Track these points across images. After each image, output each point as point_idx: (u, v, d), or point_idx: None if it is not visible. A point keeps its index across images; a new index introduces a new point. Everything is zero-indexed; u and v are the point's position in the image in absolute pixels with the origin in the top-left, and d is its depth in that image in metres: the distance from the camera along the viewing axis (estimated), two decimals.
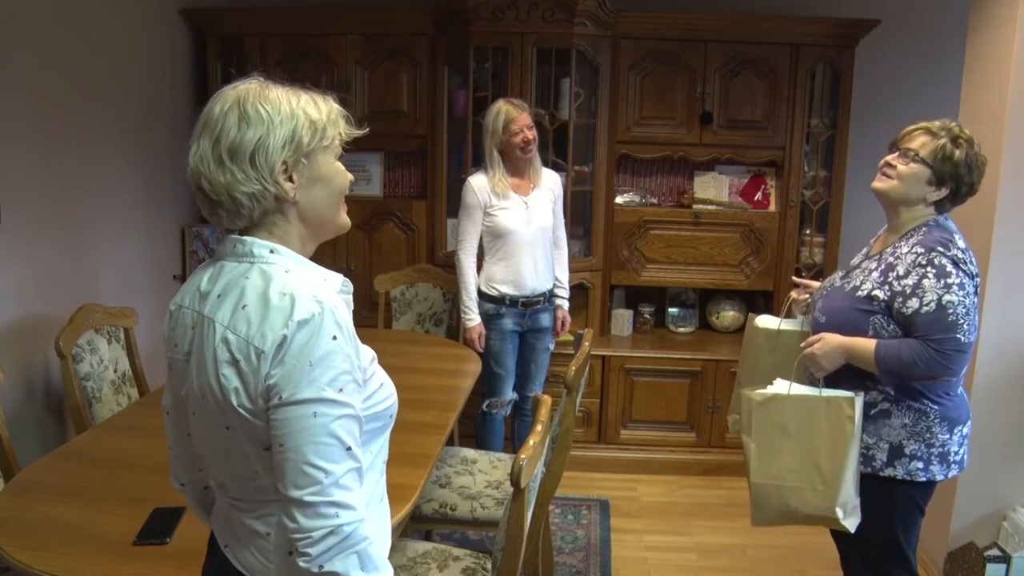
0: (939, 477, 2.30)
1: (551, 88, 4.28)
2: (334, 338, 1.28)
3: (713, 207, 4.47)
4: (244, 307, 1.30)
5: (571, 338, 4.19)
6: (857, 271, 2.39)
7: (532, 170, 3.71)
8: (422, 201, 4.53)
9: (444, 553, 2.51)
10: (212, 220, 1.38)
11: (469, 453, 3.26)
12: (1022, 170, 3.03)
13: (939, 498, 3.37)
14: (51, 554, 1.90)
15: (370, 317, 4.40)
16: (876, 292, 2.25)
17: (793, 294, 2.67)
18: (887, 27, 4.22)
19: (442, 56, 4.33)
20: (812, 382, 2.34)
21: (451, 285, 4.15)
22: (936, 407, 2.26)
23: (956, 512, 3.29)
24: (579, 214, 4.48)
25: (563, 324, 3.91)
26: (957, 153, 2.21)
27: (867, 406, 2.28)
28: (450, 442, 3.45)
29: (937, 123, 2.27)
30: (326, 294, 1.32)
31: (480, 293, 3.73)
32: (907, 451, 2.26)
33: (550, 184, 3.78)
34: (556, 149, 4.32)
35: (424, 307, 4.36)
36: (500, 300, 3.72)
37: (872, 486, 2.30)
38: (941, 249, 2.18)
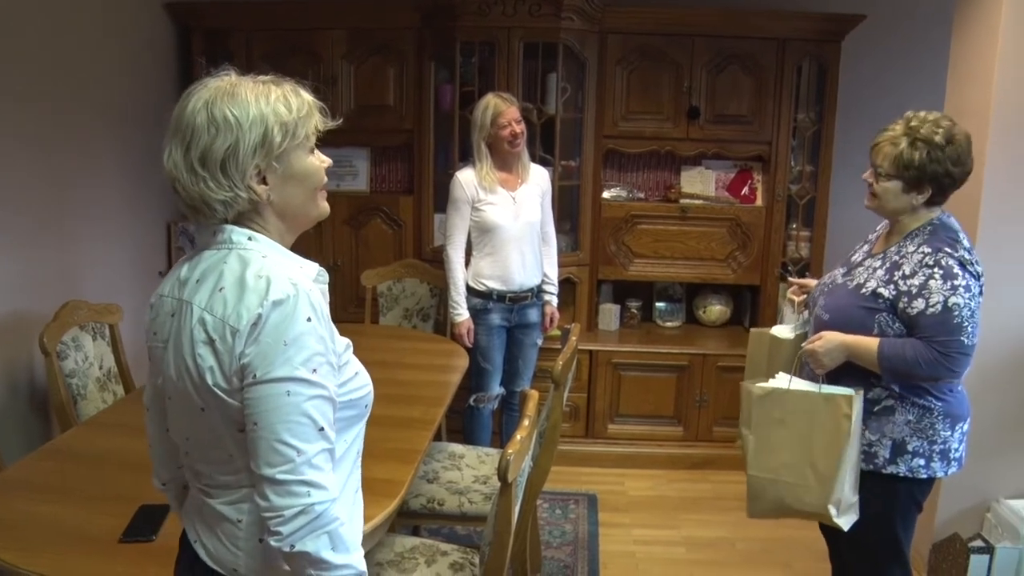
0: (939, 474, 2.30)
1: (538, 83, 4.28)
2: (308, 320, 1.29)
3: (700, 202, 4.48)
4: (221, 289, 1.31)
5: (559, 333, 4.20)
6: (860, 268, 2.37)
7: (520, 165, 3.71)
8: (409, 196, 4.52)
9: (432, 548, 2.51)
10: (191, 218, 1.40)
11: (457, 448, 3.26)
12: (1007, 163, 3.04)
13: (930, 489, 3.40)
14: (36, 553, 1.89)
15: (357, 312, 4.39)
16: (881, 290, 2.23)
17: (789, 294, 2.64)
18: (872, 22, 4.24)
19: (429, 51, 4.32)
20: (813, 378, 2.34)
21: (438, 280, 4.15)
22: (940, 404, 2.26)
23: (941, 504, 3.31)
24: (566, 209, 4.48)
25: (551, 320, 3.91)
26: (917, 156, 2.19)
27: (870, 403, 2.28)
28: (438, 437, 3.45)
29: (899, 126, 2.24)
30: (301, 278, 1.33)
31: (468, 288, 3.73)
32: (910, 448, 2.26)
33: (538, 179, 3.77)
34: (543, 144, 4.32)
35: (411, 302, 4.35)
36: (488, 295, 3.72)
37: (874, 483, 2.30)
38: (948, 250, 2.17)
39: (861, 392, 2.25)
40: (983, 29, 3.10)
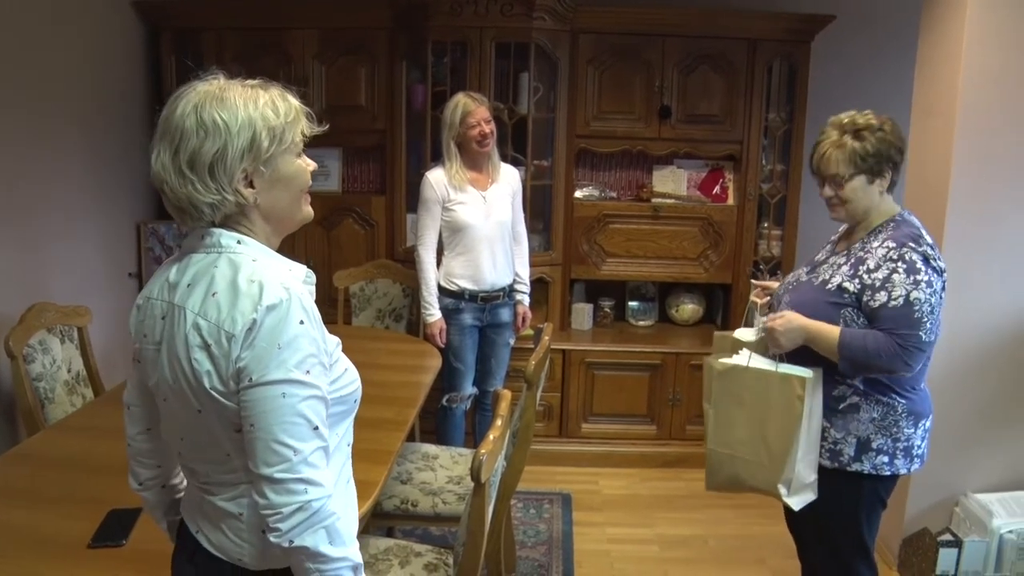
0: (903, 471, 2.32)
1: (510, 83, 4.28)
2: (301, 322, 1.32)
3: (672, 201, 4.50)
4: (214, 294, 1.33)
5: (531, 332, 4.20)
6: (825, 266, 2.39)
7: (491, 165, 3.71)
8: (381, 196, 4.51)
9: (406, 549, 2.50)
10: (177, 219, 1.40)
11: (430, 449, 3.25)
12: (973, 163, 3.09)
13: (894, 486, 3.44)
14: (3, 559, 1.87)
15: (330, 313, 4.35)
16: (846, 284, 2.25)
17: (753, 296, 2.63)
18: (842, 23, 4.29)
19: (400, 51, 4.30)
20: (775, 357, 2.35)
21: (410, 281, 4.14)
22: (903, 401, 2.28)
23: (910, 499, 3.35)
24: (539, 208, 4.48)
25: (523, 319, 3.91)
26: (868, 145, 2.23)
27: (836, 400, 2.30)
28: (411, 438, 3.44)
29: (832, 132, 2.29)
30: (292, 281, 1.36)
31: (439, 288, 3.72)
32: (874, 446, 2.28)
33: (509, 179, 3.78)
34: (515, 143, 4.32)
35: (384, 303, 4.34)
36: (459, 295, 3.72)
37: (839, 480, 2.32)
38: (912, 245, 2.19)
39: (819, 372, 2.25)
40: (949, 30, 3.14)
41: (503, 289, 3.79)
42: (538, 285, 4.42)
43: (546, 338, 2.98)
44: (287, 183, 1.41)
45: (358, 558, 1.41)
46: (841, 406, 2.30)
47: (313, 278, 1.48)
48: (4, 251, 3.31)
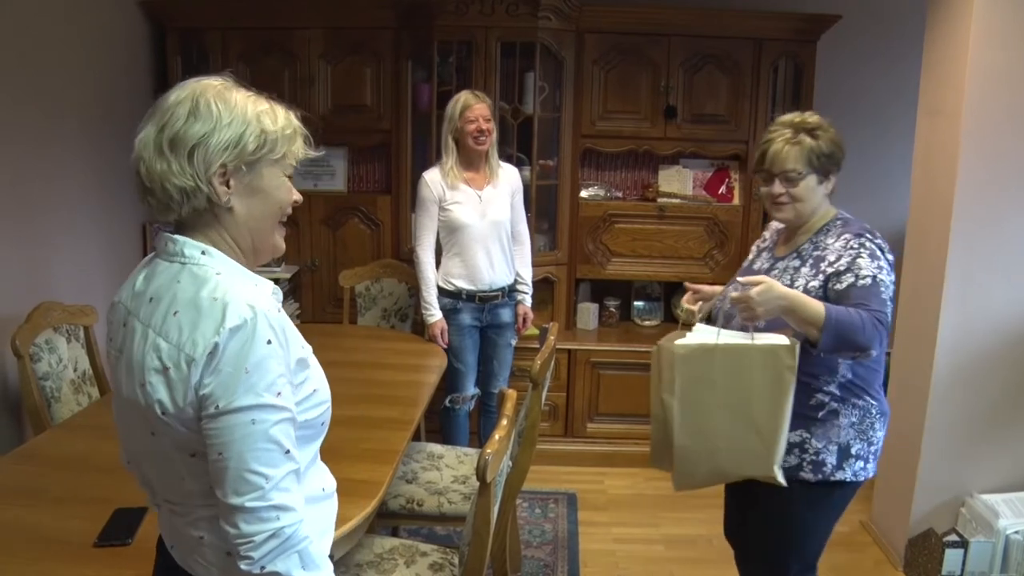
0: (871, 474, 2.29)
1: (515, 82, 4.27)
2: (268, 342, 1.26)
3: (677, 200, 4.50)
4: (175, 313, 1.27)
5: (536, 332, 4.20)
6: (775, 272, 2.30)
7: (488, 166, 3.71)
8: (386, 196, 4.51)
9: (411, 549, 2.50)
10: (144, 207, 1.36)
11: (436, 448, 3.25)
12: (979, 162, 3.08)
13: (900, 486, 3.44)
14: (10, 558, 1.87)
15: (335, 313, 4.37)
16: (812, 284, 2.18)
17: (686, 303, 2.45)
18: (847, 22, 4.27)
19: (406, 50, 4.30)
20: (741, 330, 2.17)
21: (416, 280, 4.13)
22: (875, 403, 2.25)
23: (916, 499, 3.34)
24: (544, 208, 4.48)
25: (524, 320, 3.91)
26: (823, 145, 2.22)
27: (814, 409, 2.21)
28: (417, 437, 3.44)
29: (784, 129, 2.24)
30: (258, 298, 1.29)
31: (438, 288, 3.73)
32: (853, 451, 2.23)
33: (508, 179, 3.77)
34: (520, 143, 4.32)
35: (389, 302, 4.34)
36: (457, 295, 3.72)
37: (821, 491, 2.25)
38: (869, 236, 2.17)
39: (798, 342, 2.08)
40: (955, 29, 3.13)
41: (502, 289, 3.78)
42: (543, 284, 4.42)
43: (551, 338, 2.98)
44: (265, 196, 1.36)
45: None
46: (820, 414, 2.22)
47: (280, 295, 1.40)
48: (11, 250, 3.32)
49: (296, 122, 1.39)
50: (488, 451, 2.03)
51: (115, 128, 4.03)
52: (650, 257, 4.51)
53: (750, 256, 2.57)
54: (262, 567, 1.26)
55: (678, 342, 2.13)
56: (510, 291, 3.84)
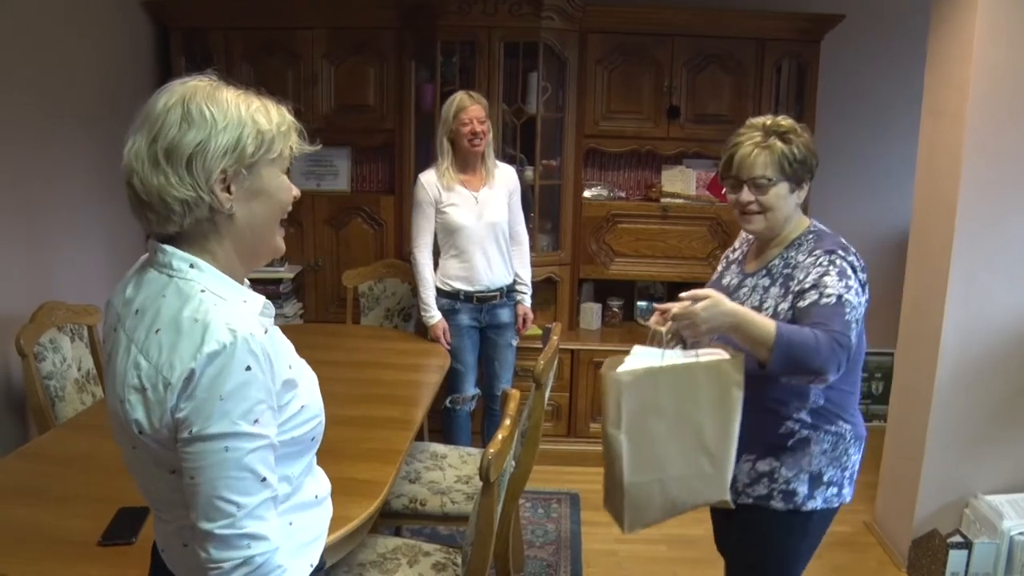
0: (847, 499, 2.16)
1: (519, 82, 4.28)
2: (248, 368, 1.21)
3: (681, 200, 4.50)
4: (157, 331, 1.24)
5: (539, 332, 4.20)
6: (744, 290, 2.17)
7: (484, 167, 3.70)
8: (390, 196, 4.51)
9: (414, 548, 2.50)
10: (140, 221, 1.30)
11: (439, 448, 3.25)
12: (983, 163, 3.07)
13: (903, 487, 3.44)
14: (14, 556, 1.87)
15: (338, 313, 4.37)
16: (782, 306, 2.04)
17: (654, 324, 2.08)
18: (851, 22, 4.27)
19: (409, 50, 4.31)
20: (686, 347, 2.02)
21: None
22: (849, 427, 2.12)
23: (920, 500, 3.34)
24: (547, 208, 4.48)
25: (524, 320, 3.90)
26: (796, 150, 2.06)
27: (783, 438, 2.08)
28: (420, 437, 3.44)
29: (754, 132, 2.08)
30: (241, 320, 1.24)
31: (437, 289, 3.73)
32: (825, 479, 2.10)
33: (505, 180, 3.77)
34: (524, 143, 4.32)
35: (392, 302, 4.34)
36: (455, 295, 3.72)
37: (793, 521, 2.12)
38: (841, 253, 2.02)
39: (742, 355, 1.96)
40: (959, 29, 3.12)
41: (500, 290, 3.78)
42: (546, 284, 4.42)
43: (555, 338, 2.98)
44: (267, 197, 1.32)
45: None
46: (790, 443, 2.09)
47: (272, 310, 1.36)
48: (15, 250, 3.32)
49: (289, 117, 1.35)
50: (491, 451, 2.03)
51: (118, 128, 3.99)
52: (653, 257, 4.51)
53: (719, 268, 2.41)
54: None
55: (621, 369, 1.93)
56: (509, 291, 3.83)
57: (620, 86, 4.35)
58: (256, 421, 1.22)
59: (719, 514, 2.44)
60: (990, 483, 3.33)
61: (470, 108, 3.56)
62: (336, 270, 4.43)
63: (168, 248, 1.30)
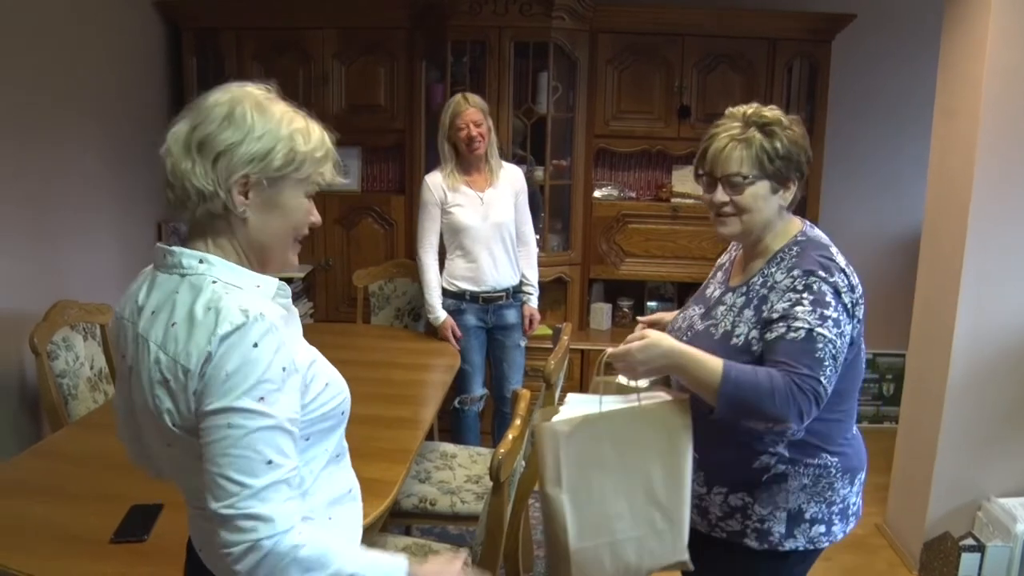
0: (839, 536, 1.90)
1: (529, 82, 4.28)
2: (255, 345, 1.22)
3: (691, 201, 4.48)
4: (173, 325, 1.26)
5: (549, 332, 4.20)
6: (722, 308, 1.91)
7: (488, 168, 3.70)
8: (400, 196, 4.52)
9: (424, 548, 2.51)
10: (164, 199, 1.34)
11: (449, 448, 3.26)
12: (996, 163, 3.06)
13: (915, 489, 3.42)
14: (27, 553, 1.88)
15: (348, 312, 4.38)
16: (753, 334, 1.79)
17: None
18: (863, 21, 4.26)
19: (419, 50, 4.31)
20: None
21: None
22: (836, 459, 1.85)
23: (932, 503, 3.32)
24: (557, 208, 4.48)
25: (531, 321, 3.90)
26: (778, 144, 1.80)
27: (757, 473, 1.84)
28: (430, 437, 3.45)
29: (733, 122, 1.84)
30: (254, 303, 1.27)
31: (443, 289, 3.74)
32: (807, 516, 1.85)
33: (511, 180, 3.76)
34: (534, 143, 4.32)
35: (402, 302, 4.35)
36: (460, 296, 3.73)
37: (769, 563, 1.88)
38: (822, 274, 1.75)
39: (687, 394, 1.81)
40: (973, 28, 3.11)
41: (506, 290, 3.78)
42: (556, 285, 4.42)
43: (565, 338, 2.98)
44: (282, 213, 1.35)
45: (350, 569, 1.29)
46: (765, 478, 1.84)
47: (287, 291, 1.38)
48: (28, 249, 3.34)
49: (330, 145, 1.38)
50: (501, 451, 2.03)
51: (131, 128, 4.06)
52: (663, 257, 4.51)
53: (708, 277, 2.14)
54: None
55: (556, 419, 1.78)
56: (515, 292, 3.83)
57: (631, 86, 4.34)
58: (261, 399, 1.22)
59: (693, 543, 2.02)
60: (1003, 485, 3.31)
61: (465, 113, 3.55)
62: (346, 270, 4.44)
63: (176, 249, 1.33)
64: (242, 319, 1.23)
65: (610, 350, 1.78)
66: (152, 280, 1.35)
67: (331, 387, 1.40)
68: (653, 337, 1.76)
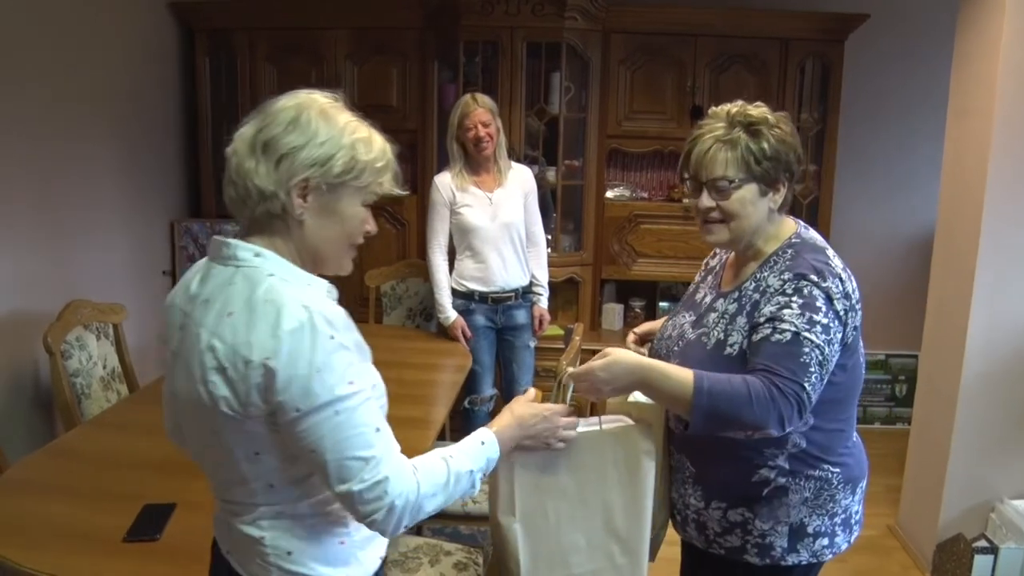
0: (843, 547, 1.84)
1: (541, 82, 4.28)
2: (332, 337, 1.27)
3: None
4: (230, 314, 1.29)
5: (561, 332, 4.20)
6: (713, 316, 1.81)
7: (496, 168, 3.70)
8: (412, 196, 4.52)
9: (436, 548, 2.51)
10: (224, 198, 1.39)
11: None
12: (1010, 164, 3.04)
13: (928, 491, 3.40)
14: (40, 551, 1.89)
15: (361, 312, 4.38)
16: (746, 342, 1.71)
17: (631, 347, 2.02)
18: (876, 21, 4.24)
19: (432, 50, 4.32)
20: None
21: None
22: (838, 470, 1.78)
23: (944, 504, 3.31)
24: (569, 209, 4.48)
25: (540, 322, 3.90)
26: (765, 144, 1.70)
27: (756, 487, 1.76)
28: (442, 437, 3.45)
29: (717, 123, 1.74)
30: (311, 297, 1.31)
31: (452, 289, 3.74)
32: (810, 529, 1.78)
33: (520, 180, 3.76)
34: (546, 144, 4.32)
35: (414, 302, 4.35)
36: (470, 296, 3.73)
37: None
38: (815, 278, 1.66)
39: (658, 408, 1.75)
40: (987, 28, 3.09)
41: (516, 290, 3.78)
42: (568, 285, 4.41)
43: (577, 338, 2.97)
44: (340, 220, 1.38)
45: (468, 465, 1.45)
46: (765, 492, 1.76)
47: (335, 293, 1.41)
48: (42, 249, 3.37)
49: (391, 157, 1.42)
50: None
51: (144, 128, 4.08)
52: (676, 258, 4.50)
53: (696, 279, 2.04)
54: (407, 526, 1.34)
55: None
56: (525, 293, 3.83)
57: (643, 86, 4.34)
58: (351, 382, 1.29)
59: (689, 559, 2.08)
60: (1017, 487, 3.29)
61: (473, 113, 3.56)
62: (358, 269, 4.44)
63: (232, 241, 1.36)
64: (305, 315, 1.26)
65: (570, 370, 1.72)
66: (207, 271, 1.38)
67: (377, 388, 1.42)
68: (616, 354, 1.68)
